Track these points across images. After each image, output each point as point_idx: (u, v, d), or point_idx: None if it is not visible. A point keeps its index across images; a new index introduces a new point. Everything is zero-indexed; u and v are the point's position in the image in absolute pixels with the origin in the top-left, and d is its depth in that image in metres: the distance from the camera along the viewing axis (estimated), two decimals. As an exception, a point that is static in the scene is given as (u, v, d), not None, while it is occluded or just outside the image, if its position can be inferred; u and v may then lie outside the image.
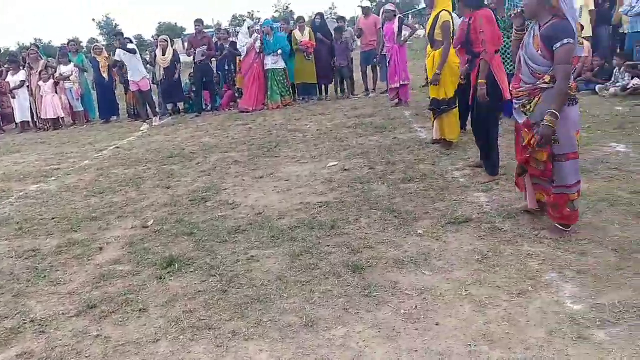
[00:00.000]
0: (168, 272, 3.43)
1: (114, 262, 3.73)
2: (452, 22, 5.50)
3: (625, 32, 8.42)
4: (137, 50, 10.29)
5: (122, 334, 2.78)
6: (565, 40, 3.00)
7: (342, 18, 12.03)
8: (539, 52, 3.14)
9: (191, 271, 3.43)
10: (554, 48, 3.04)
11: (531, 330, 2.42)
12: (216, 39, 11.67)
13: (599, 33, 8.87)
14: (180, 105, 11.63)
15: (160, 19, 71.92)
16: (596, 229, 3.38)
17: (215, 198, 4.97)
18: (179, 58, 11.30)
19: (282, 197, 4.77)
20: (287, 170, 5.67)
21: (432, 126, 6.10)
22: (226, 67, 11.48)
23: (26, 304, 3.25)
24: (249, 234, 3.97)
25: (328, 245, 3.59)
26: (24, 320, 3.04)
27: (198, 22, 10.93)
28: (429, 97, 5.95)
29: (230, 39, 12.18)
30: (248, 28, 10.90)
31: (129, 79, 10.26)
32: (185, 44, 12.08)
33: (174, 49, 11.01)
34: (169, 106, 11.60)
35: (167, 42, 10.92)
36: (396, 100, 9.21)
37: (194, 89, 11.24)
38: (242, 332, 2.66)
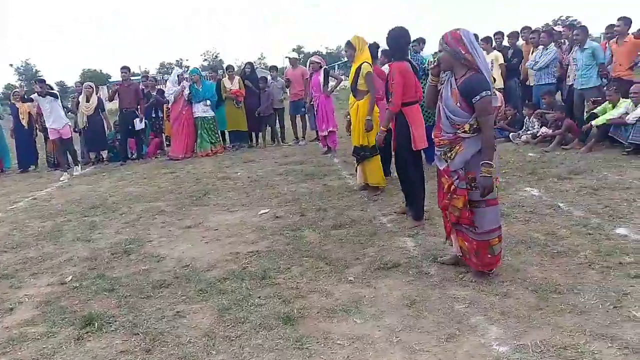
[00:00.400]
0: (87, 332, 3.21)
1: (26, 323, 3.45)
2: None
3: (532, 84, 9.16)
4: (59, 96, 9.90)
5: (32, 406, 2.54)
6: (483, 93, 3.20)
7: (274, 67, 12.26)
8: (458, 104, 3.32)
9: (112, 330, 3.23)
10: (473, 101, 3.24)
11: (460, 374, 2.46)
12: (143, 87, 11.50)
13: (510, 85, 9.58)
14: (104, 154, 11.23)
15: (85, 66, 70.18)
16: (516, 270, 3.54)
17: (139, 251, 4.76)
18: (104, 106, 10.99)
19: (211, 248, 4.65)
20: (217, 219, 5.57)
21: (356, 172, 6.33)
22: (153, 115, 11.30)
23: None
24: (175, 288, 3.82)
25: (259, 297, 3.51)
26: None
27: (125, 69, 10.74)
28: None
29: (158, 86, 12.05)
30: (177, 76, 10.85)
31: (49, 126, 9.77)
32: (110, 91, 11.76)
33: (98, 97, 10.72)
34: (92, 155, 11.17)
35: (92, 89, 10.63)
36: (326, 148, 9.41)
37: (119, 137, 10.93)
38: (167, 394, 2.51)
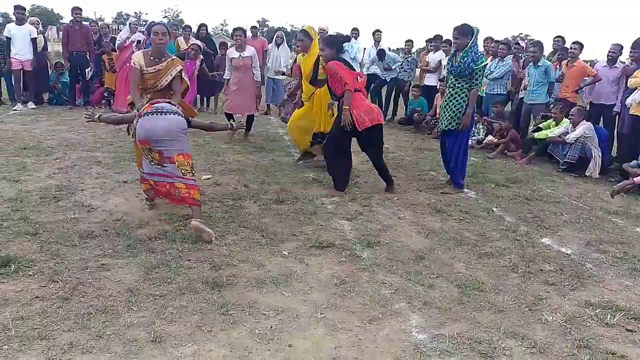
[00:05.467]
0: (1, 274, 3.05)
1: None
2: None
3: (483, 93, 9.42)
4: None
5: None
6: None
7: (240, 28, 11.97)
8: None
9: (30, 275, 3.08)
10: None
11: (378, 356, 2.52)
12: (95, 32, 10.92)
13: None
14: (45, 95, 10.64)
15: (34, 1, 65.68)
16: (444, 265, 3.66)
17: (69, 198, 4.56)
18: (47, 46, 10.41)
19: (146, 206, 4.52)
20: (230, 157, 5.45)
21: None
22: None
23: None
24: (102, 240, 3.69)
25: (189, 260, 3.45)
26: None
27: (77, 10, 10.14)
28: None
29: (111, 35, 11.49)
30: (129, 24, 10.29)
31: (15, 57, 9.26)
32: (61, 32, 11.13)
33: (44, 36, 10.15)
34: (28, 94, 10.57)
35: (39, 24, 10.04)
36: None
37: (63, 80, 10.37)
38: (81, 344, 2.43)
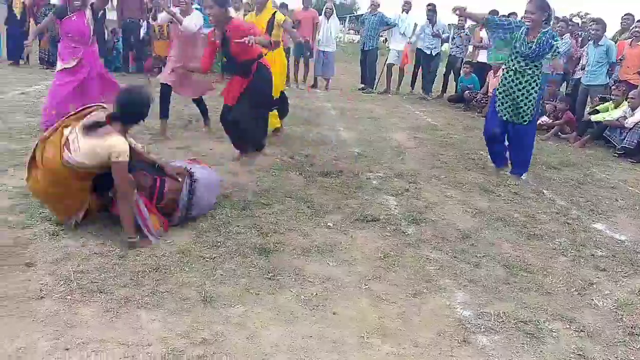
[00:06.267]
0: (63, 230, 3.21)
1: (4, 211, 3.43)
2: None
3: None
4: None
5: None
6: None
7: (284, 5, 11.91)
8: None
9: (88, 232, 3.23)
10: None
11: (422, 329, 2.54)
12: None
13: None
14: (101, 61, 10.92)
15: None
16: (491, 244, 3.61)
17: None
18: (106, 12, 10.61)
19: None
20: (207, 146, 5.52)
21: None
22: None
23: None
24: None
25: (237, 226, 3.54)
26: None
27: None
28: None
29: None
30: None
31: None
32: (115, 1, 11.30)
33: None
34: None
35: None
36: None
37: (117, 47, 10.62)
38: (136, 299, 2.55)
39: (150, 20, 7.97)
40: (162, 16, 5.97)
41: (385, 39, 14.95)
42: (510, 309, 2.78)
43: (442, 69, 11.20)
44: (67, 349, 2.17)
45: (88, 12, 5.24)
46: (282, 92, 6.06)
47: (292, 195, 4.23)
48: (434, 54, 10.65)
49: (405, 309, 2.70)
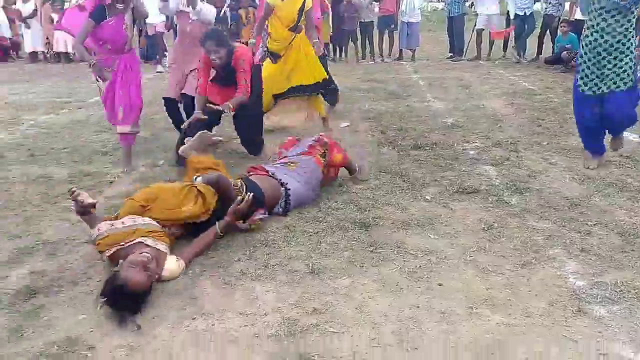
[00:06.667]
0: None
1: (125, 195, 3.76)
2: None
3: None
4: None
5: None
6: None
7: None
8: None
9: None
10: None
11: (532, 299, 2.48)
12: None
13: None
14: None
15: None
16: (603, 212, 3.42)
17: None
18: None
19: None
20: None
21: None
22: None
23: (38, 227, 3.31)
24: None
25: (336, 202, 3.62)
26: (36, 241, 3.10)
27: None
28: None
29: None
30: None
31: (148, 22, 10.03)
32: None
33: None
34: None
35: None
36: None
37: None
38: (250, 272, 2.72)
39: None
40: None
41: (472, 3, 14.31)
42: (629, 278, 2.63)
43: (536, 31, 10.55)
44: (193, 319, 2.37)
45: (127, 17, 4.24)
46: (327, 79, 5.60)
47: (386, 170, 4.24)
48: (527, 14, 10.06)
49: (513, 279, 2.65)
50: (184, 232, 3.02)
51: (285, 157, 3.76)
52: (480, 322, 2.32)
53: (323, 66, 5.57)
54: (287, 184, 3.42)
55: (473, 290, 2.57)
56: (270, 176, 3.45)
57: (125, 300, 2.37)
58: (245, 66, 4.13)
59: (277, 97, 5.34)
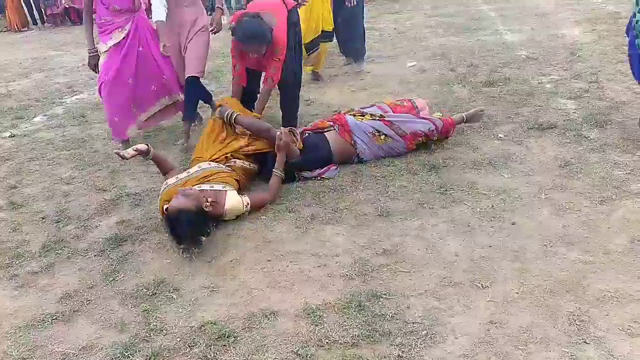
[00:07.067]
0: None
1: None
2: None
3: None
4: None
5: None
6: None
7: None
8: None
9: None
10: None
11: (612, 236, 2.39)
12: None
13: None
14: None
15: None
16: (696, 142, 3.16)
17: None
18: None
19: (361, 98, 4.72)
20: (366, 68, 5.57)
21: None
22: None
23: (122, 180, 3.54)
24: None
25: (404, 144, 3.58)
26: (120, 194, 3.33)
27: None
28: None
29: None
30: None
31: None
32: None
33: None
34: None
35: None
36: None
37: None
38: (320, 216, 2.79)
39: None
40: None
41: None
42: None
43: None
44: (268, 260, 2.49)
45: None
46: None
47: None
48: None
49: (592, 216, 2.55)
50: (251, 163, 3.27)
51: (383, 118, 3.45)
52: (555, 259, 2.27)
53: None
54: (362, 154, 3.35)
55: (548, 228, 2.50)
56: (351, 144, 3.34)
57: (178, 228, 2.55)
58: (280, 55, 3.61)
59: (308, 49, 4.96)
